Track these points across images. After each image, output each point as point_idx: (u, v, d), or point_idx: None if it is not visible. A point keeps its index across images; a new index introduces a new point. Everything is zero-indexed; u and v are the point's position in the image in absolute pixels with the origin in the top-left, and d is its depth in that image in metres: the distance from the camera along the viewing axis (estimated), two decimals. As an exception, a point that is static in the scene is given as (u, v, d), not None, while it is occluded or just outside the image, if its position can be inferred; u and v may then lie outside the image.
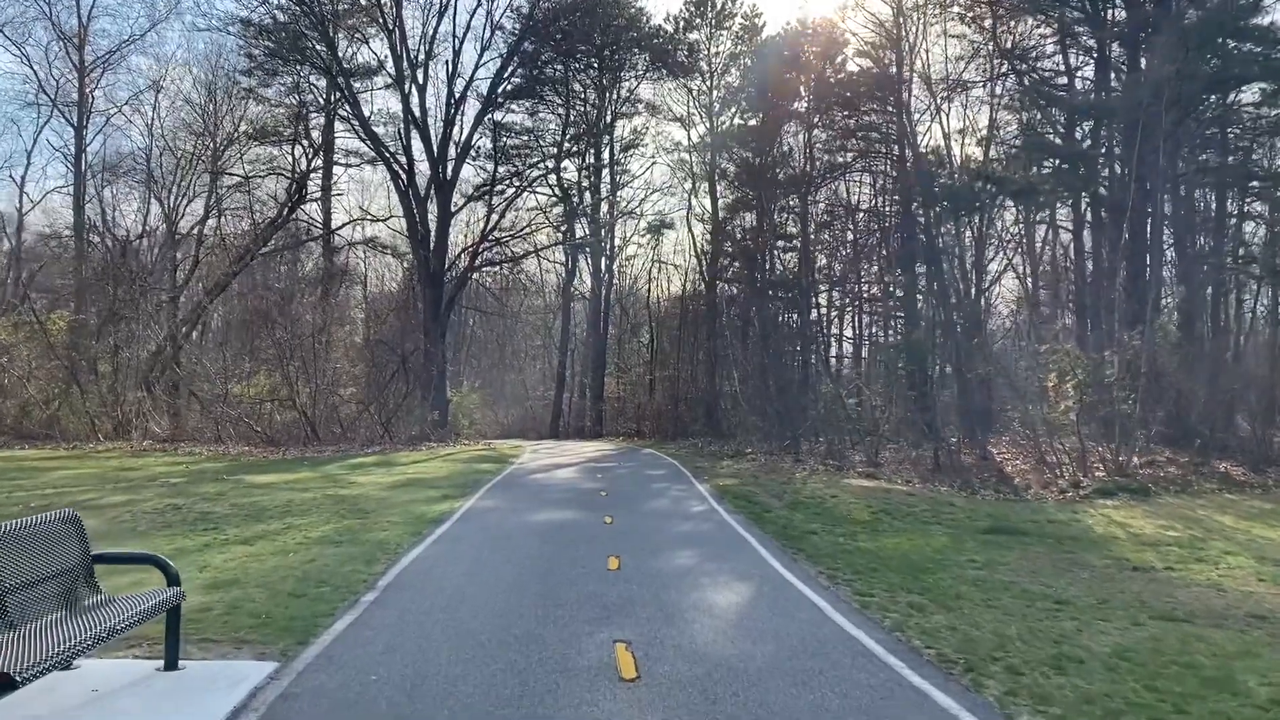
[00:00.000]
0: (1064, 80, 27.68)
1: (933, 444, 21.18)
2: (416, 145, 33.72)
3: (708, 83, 39.63)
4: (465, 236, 41.10)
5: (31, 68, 34.75)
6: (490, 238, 37.21)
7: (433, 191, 34.03)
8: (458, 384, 39.05)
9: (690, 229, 40.74)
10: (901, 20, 27.19)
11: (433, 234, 33.66)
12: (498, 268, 41.60)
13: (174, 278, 33.62)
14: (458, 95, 34.35)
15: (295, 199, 34.27)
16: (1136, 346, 18.92)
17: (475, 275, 38.87)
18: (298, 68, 34.16)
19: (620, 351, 46.68)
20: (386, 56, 33.80)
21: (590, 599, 6.92)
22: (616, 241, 44.46)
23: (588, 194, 43.02)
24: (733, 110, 39.54)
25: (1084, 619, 6.79)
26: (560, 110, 39.62)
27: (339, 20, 33.04)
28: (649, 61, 39.34)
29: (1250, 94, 24.33)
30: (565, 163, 40.64)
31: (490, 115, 36.27)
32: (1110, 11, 25.80)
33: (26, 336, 27.14)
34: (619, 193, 43.96)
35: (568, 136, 40.04)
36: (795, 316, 34.06)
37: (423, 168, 34.29)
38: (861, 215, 33.29)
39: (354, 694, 4.69)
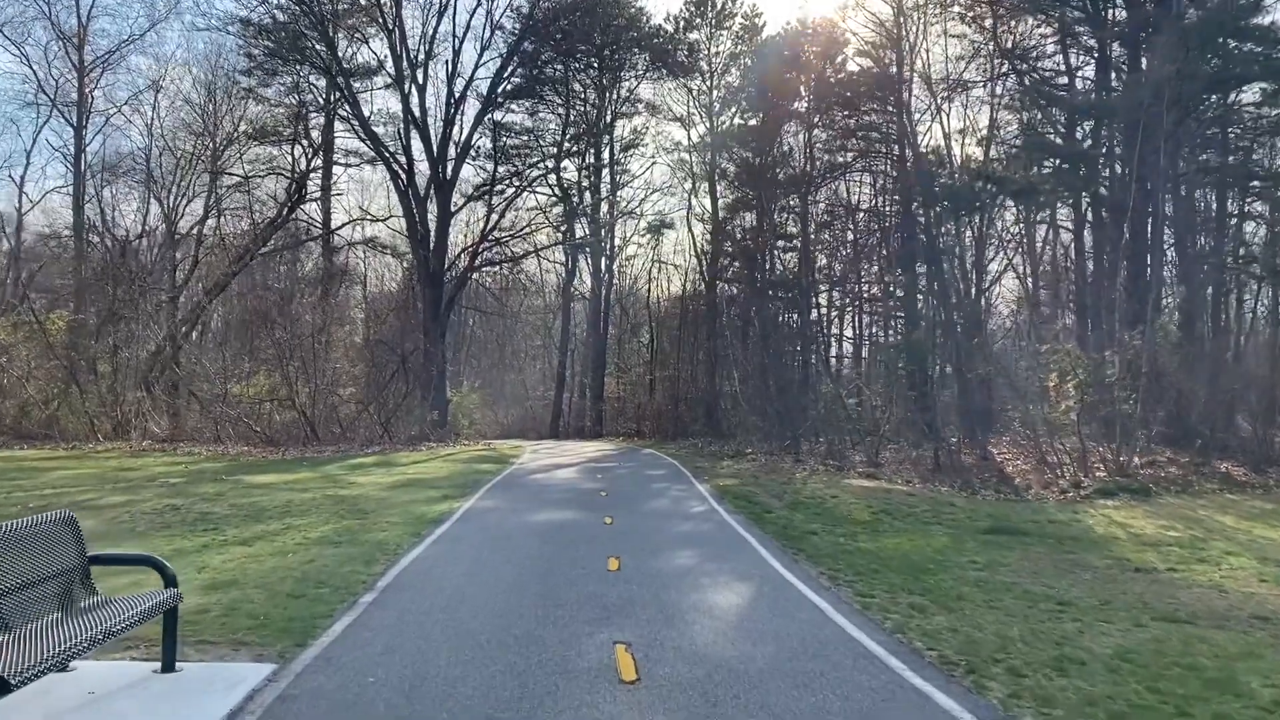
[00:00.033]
0: (1064, 80, 27.65)
1: (933, 444, 21.15)
2: (416, 145, 33.77)
3: (708, 83, 39.63)
4: (465, 236, 41.12)
5: (31, 67, 34.75)
6: (490, 238, 37.19)
7: (432, 191, 34.01)
8: (457, 384, 39.01)
9: (690, 229, 40.78)
10: (902, 20, 27.19)
11: (432, 234, 33.63)
12: (497, 268, 41.58)
13: (173, 278, 33.60)
14: (457, 95, 34.37)
15: (295, 199, 34.25)
16: (1138, 346, 18.88)
17: (475, 275, 38.85)
18: (297, 67, 34.16)
19: (620, 351, 46.65)
20: (386, 56, 33.84)
21: (590, 600, 6.89)
22: (616, 241, 44.49)
23: (588, 194, 43.00)
24: (733, 110, 39.54)
25: (1086, 620, 6.76)
26: (560, 110, 39.61)
27: (339, 20, 33.02)
28: (649, 61, 39.32)
29: (1251, 94, 24.32)
30: (565, 163, 40.66)
31: (490, 115, 36.28)
32: (1111, 11, 25.77)
33: (26, 336, 27.12)
34: (619, 193, 43.99)
35: (568, 136, 40.03)
36: (795, 316, 34.05)
37: (422, 167, 34.32)
38: (861, 215, 33.30)
39: (352, 696, 4.66)
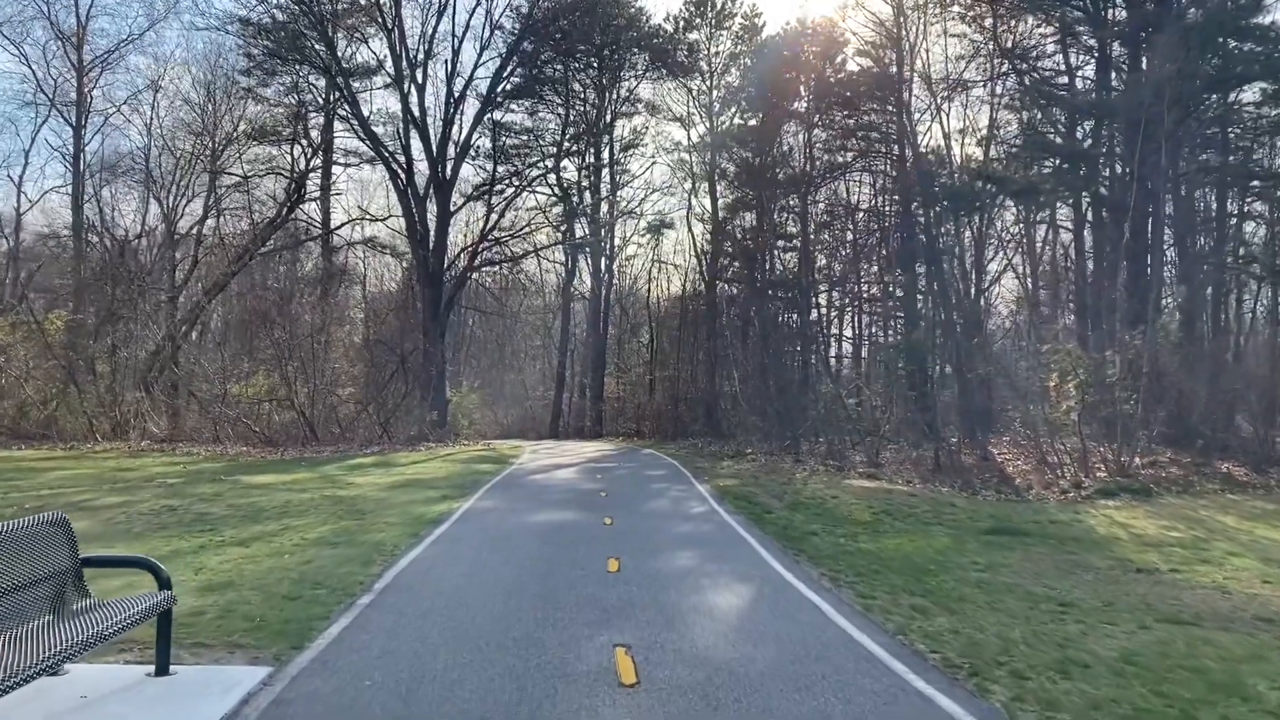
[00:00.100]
0: (1065, 80, 27.60)
1: (933, 444, 21.11)
2: (416, 145, 33.74)
3: (707, 82, 39.62)
4: (465, 236, 41.11)
5: (30, 67, 34.83)
6: (490, 237, 37.16)
7: (432, 191, 33.96)
8: (457, 384, 38.95)
9: (690, 229, 40.75)
10: (902, 20, 27.16)
11: (432, 233, 33.59)
12: (497, 267, 41.54)
13: (172, 277, 33.56)
14: (457, 95, 34.33)
15: (294, 199, 34.22)
16: (1139, 346, 18.83)
17: (474, 275, 38.81)
18: (297, 67, 34.13)
19: (620, 351, 46.61)
20: (386, 56, 33.82)
21: (590, 601, 6.84)
22: (616, 241, 44.46)
23: (587, 194, 42.97)
24: (733, 110, 39.51)
25: (1089, 622, 6.71)
26: (560, 110, 39.58)
27: (338, 20, 32.98)
28: (649, 61, 39.30)
29: (1251, 93, 24.29)
30: (565, 162, 40.64)
31: (489, 115, 36.27)
32: (1111, 11, 25.72)
33: (24, 336, 27.03)
34: (619, 192, 43.95)
35: (567, 136, 40.00)
36: (795, 316, 34.00)
37: (422, 167, 34.29)
38: (861, 215, 33.24)
39: (349, 699, 4.61)
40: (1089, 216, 26.34)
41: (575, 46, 37.27)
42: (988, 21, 27.15)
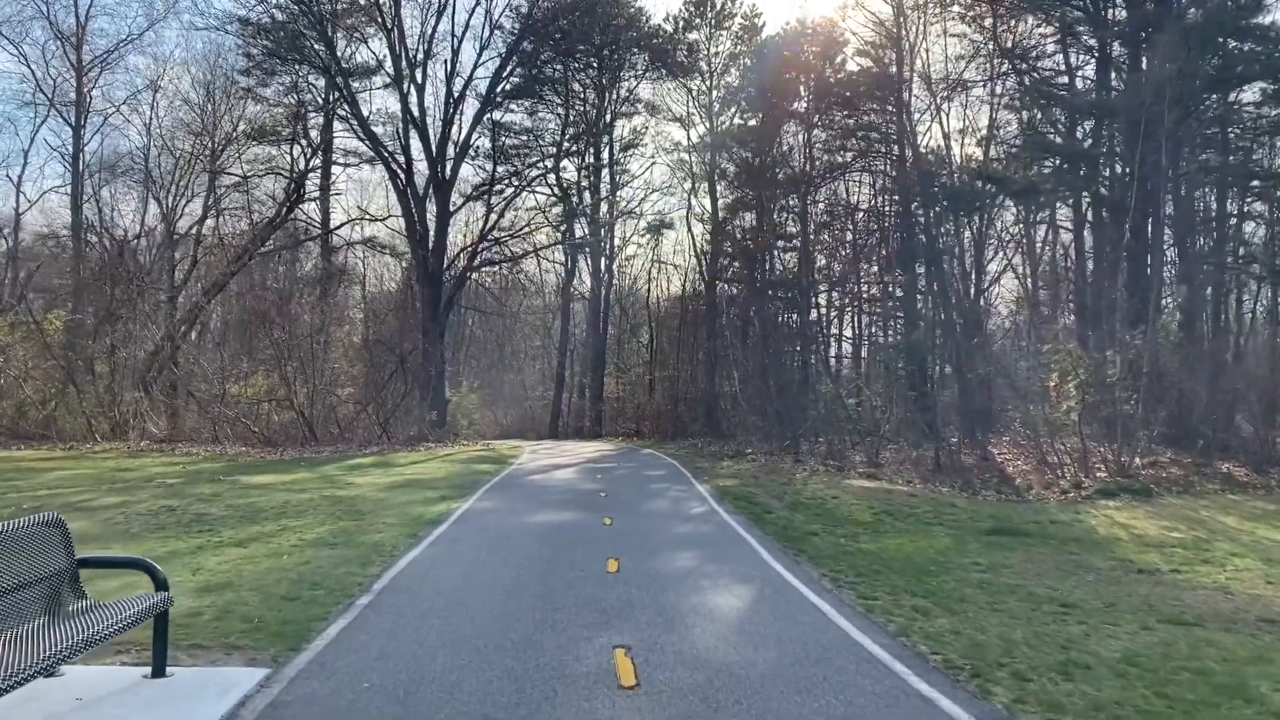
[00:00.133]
0: (1065, 79, 27.57)
1: (933, 444, 21.08)
2: (415, 145, 33.72)
3: (707, 83, 39.59)
4: (464, 236, 41.06)
5: (29, 67, 34.76)
6: (489, 237, 37.14)
7: (431, 191, 33.94)
8: (456, 384, 38.93)
9: (690, 229, 40.72)
10: (901, 19, 27.13)
11: (431, 233, 33.56)
12: (497, 267, 41.52)
13: (172, 277, 33.52)
14: (456, 94, 34.31)
15: (293, 199, 34.18)
16: (1139, 346, 18.81)
17: (474, 275, 38.79)
18: (296, 67, 34.11)
19: (620, 352, 46.57)
20: (385, 56, 33.81)
21: (589, 603, 6.81)
22: (616, 241, 44.42)
23: (587, 194, 42.93)
24: (732, 110, 39.49)
25: (1091, 623, 6.68)
26: (559, 110, 39.55)
27: (337, 19, 32.95)
28: (648, 61, 39.27)
29: (1251, 93, 24.27)
30: (564, 162, 40.62)
31: (489, 115, 36.26)
32: (1111, 10, 25.70)
33: (23, 336, 26.98)
34: (618, 193, 43.91)
35: (567, 136, 39.98)
36: (795, 316, 33.97)
37: (421, 167, 34.27)
38: (861, 215, 33.21)
39: (346, 701, 4.58)
40: (1089, 216, 26.32)
41: (575, 46, 37.25)
42: (988, 21, 27.13)
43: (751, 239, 36.01)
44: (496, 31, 35.01)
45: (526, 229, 38.88)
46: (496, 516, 12.05)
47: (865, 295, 33.85)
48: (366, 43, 34.75)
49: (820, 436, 24.58)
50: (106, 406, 26.60)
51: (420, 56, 33.51)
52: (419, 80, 33.43)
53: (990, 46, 27.32)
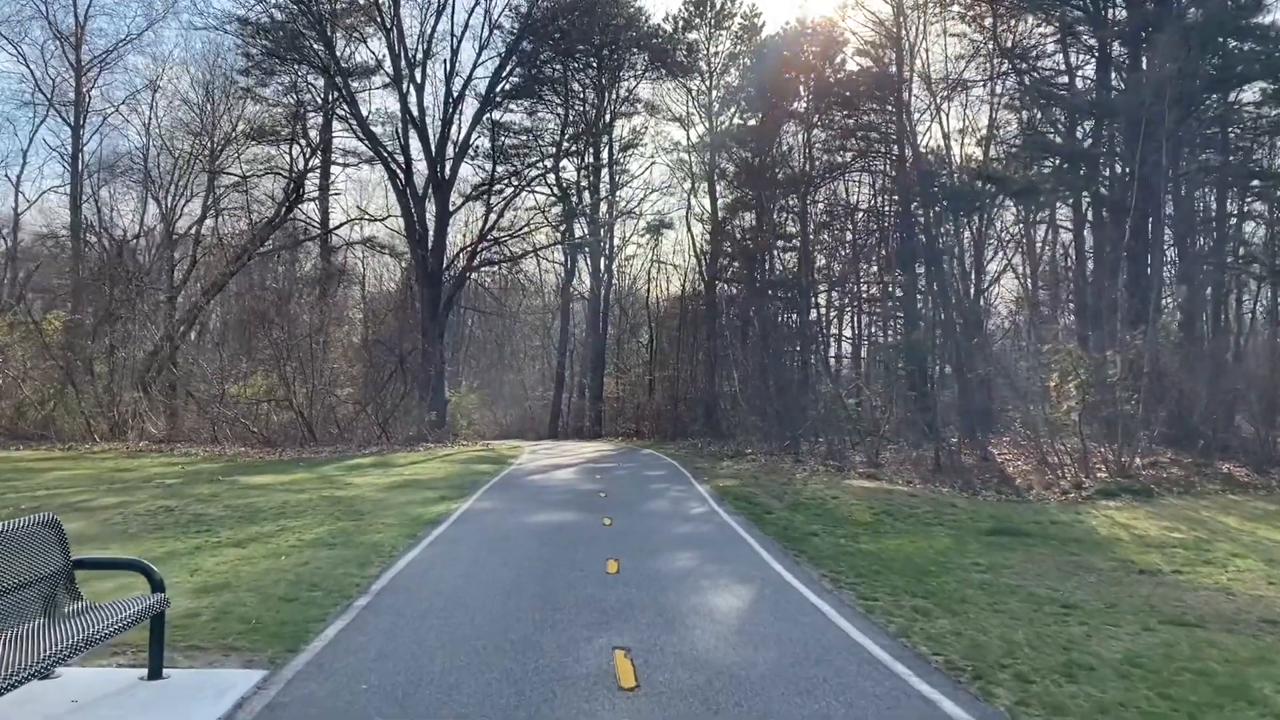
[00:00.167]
0: (1065, 79, 27.54)
1: (933, 444, 21.05)
2: (414, 144, 33.70)
3: (707, 82, 39.57)
4: (464, 236, 41.04)
5: (28, 66, 34.81)
6: (489, 237, 37.11)
7: (431, 191, 33.90)
8: (456, 384, 38.88)
9: (690, 229, 40.68)
10: (901, 19, 27.10)
11: (431, 233, 33.53)
12: (496, 267, 41.48)
13: (171, 277, 33.48)
14: (456, 94, 34.29)
15: (293, 198, 34.14)
16: (1139, 346, 18.79)
17: (474, 275, 38.76)
18: (295, 67, 34.07)
19: (619, 352, 46.54)
20: (384, 55, 33.78)
21: (589, 603, 6.78)
22: (615, 241, 44.39)
23: (586, 194, 42.89)
24: (732, 110, 39.46)
25: (1093, 624, 6.65)
26: (559, 110, 39.53)
27: (337, 19, 32.91)
28: (648, 61, 39.24)
29: (1251, 93, 24.25)
30: (564, 162, 40.59)
31: (489, 114, 36.23)
32: (1111, 10, 25.68)
33: (22, 337, 26.94)
34: (618, 192, 43.88)
35: (566, 136, 39.95)
36: (795, 316, 33.94)
37: (421, 167, 34.24)
38: (861, 215, 33.17)
39: (344, 703, 4.55)
40: (1089, 216, 26.30)
41: (574, 46, 37.21)
42: (988, 21, 27.10)
43: (751, 239, 35.98)
44: (496, 31, 35.06)
45: (526, 229, 38.89)
46: (496, 517, 12.02)
47: (865, 295, 33.83)
48: (365, 42, 34.78)
49: (820, 436, 24.56)
50: (105, 407, 26.57)
51: (419, 56, 33.53)
52: (418, 80, 33.46)
53: (990, 46, 27.31)
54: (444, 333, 35.34)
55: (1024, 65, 27.76)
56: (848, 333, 36.03)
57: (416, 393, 29.90)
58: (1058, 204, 27.49)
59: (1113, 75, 25.34)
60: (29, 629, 4.15)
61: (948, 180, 26.75)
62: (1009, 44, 27.39)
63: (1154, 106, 20.17)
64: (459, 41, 35.21)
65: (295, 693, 4.68)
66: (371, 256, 41.80)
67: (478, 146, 37.33)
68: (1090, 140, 26.16)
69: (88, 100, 34.46)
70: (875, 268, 32.74)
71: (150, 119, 35.23)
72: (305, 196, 35.12)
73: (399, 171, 33.38)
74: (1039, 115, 27.74)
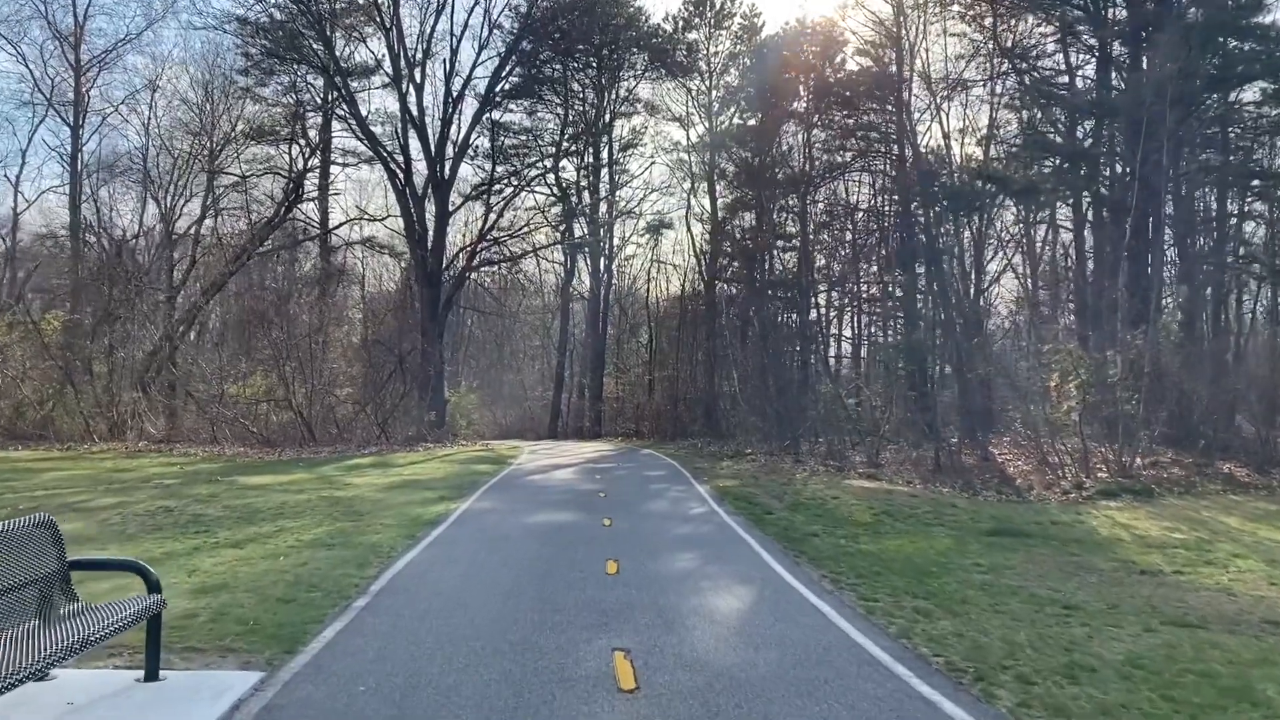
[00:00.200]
0: (1065, 79, 27.51)
1: (933, 445, 21.02)
2: (414, 144, 33.65)
3: (707, 82, 39.52)
4: (463, 236, 41.01)
5: (27, 66, 34.88)
6: (488, 237, 37.09)
7: (430, 191, 33.87)
8: (455, 384, 38.84)
9: (689, 229, 40.63)
10: (901, 19, 27.07)
11: (430, 233, 33.50)
12: (496, 267, 41.43)
13: (170, 277, 33.44)
14: (455, 94, 34.26)
15: (292, 198, 34.11)
16: (1139, 346, 18.76)
17: (473, 275, 38.72)
18: (295, 67, 34.01)
19: (619, 352, 46.49)
20: (384, 55, 33.73)
21: (588, 604, 6.75)
22: (615, 241, 44.32)
23: (586, 194, 42.84)
24: (732, 110, 39.42)
25: (1094, 625, 6.62)
26: (559, 110, 39.49)
27: (336, 19, 32.87)
28: (648, 61, 39.19)
29: (1251, 93, 24.24)
30: (564, 162, 40.53)
31: (488, 114, 36.19)
32: (1111, 10, 25.66)
33: (21, 337, 26.90)
34: (618, 192, 43.81)
35: (566, 136, 39.91)
36: (794, 316, 33.89)
37: (420, 167, 34.20)
38: (861, 215, 33.14)
39: (341, 705, 4.52)
40: (1089, 216, 26.27)
41: (574, 46, 37.18)
42: (988, 21, 27.08)
43: (751, 239, 35.94)
44: (495, 31, 35.02)
45: (525, 229, 38.85)
46: (495, 517, 11.99)
47: (865, 295, 33.80)
48: (365, 42, 34.72)
49: (820, 437, 24.53)
50: (104, 407, 26.53)
51: (419, 56, 33.50)
52: (418, 80, 33.42)
53: (990, 46, 27.29)
54: (443, 333, 35.31)
55: (1024, 65, 27.74)
56: (848, 333, 36.02)
57: (416, 393, 29.87)
58: (1058, 204, 27.46)
59: (1113, 75, 25.32)
60: (24, 630, 4.13)
61: (948, 180, 26.73)
62: (1009, 44, 27.38)
63: (1154, 106, 20.15)
64: (459, 41, 35.23)
65: (292, 695, 4.66)
66: (371, 256, 41.77)
67: (477, 146, 37.35)
68: (1090, 140, 26.13)
69: (87, 100, 34.47)
70: (875, 268, 32.72)
71: (149, 119, 35.26)
72: (305, 196, 35.11)
73: (398, 171, 33.35)
74: (1039, 115, 27.71)
